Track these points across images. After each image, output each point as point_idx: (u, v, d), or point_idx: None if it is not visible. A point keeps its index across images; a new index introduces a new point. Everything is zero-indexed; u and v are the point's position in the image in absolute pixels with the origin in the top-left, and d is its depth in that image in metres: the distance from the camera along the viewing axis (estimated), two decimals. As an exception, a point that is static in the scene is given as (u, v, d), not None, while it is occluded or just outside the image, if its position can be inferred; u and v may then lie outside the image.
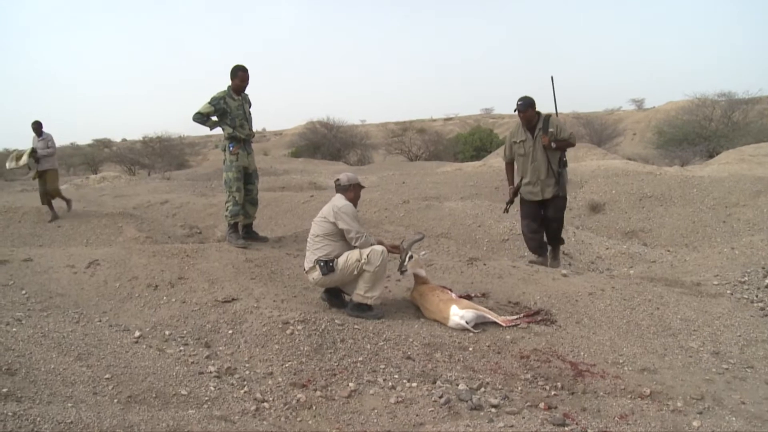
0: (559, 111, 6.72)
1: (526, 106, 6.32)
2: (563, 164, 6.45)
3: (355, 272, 4.80)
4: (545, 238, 6.81)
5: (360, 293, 4.81)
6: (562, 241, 6.96)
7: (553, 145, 6.25)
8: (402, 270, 5.07)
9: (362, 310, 4.82)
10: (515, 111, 6.39)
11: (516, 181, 6.78)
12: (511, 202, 6.93)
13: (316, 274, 4.85)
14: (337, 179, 5.10)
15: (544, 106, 6.48)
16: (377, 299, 4.87)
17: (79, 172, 34.68)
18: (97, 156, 38.31)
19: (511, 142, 6.68)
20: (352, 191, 5.06)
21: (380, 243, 5.03)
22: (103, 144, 44.13)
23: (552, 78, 6.50)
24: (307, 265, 4.94)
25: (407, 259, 5.08)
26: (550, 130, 6.26)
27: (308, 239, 5.01)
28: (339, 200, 4.95)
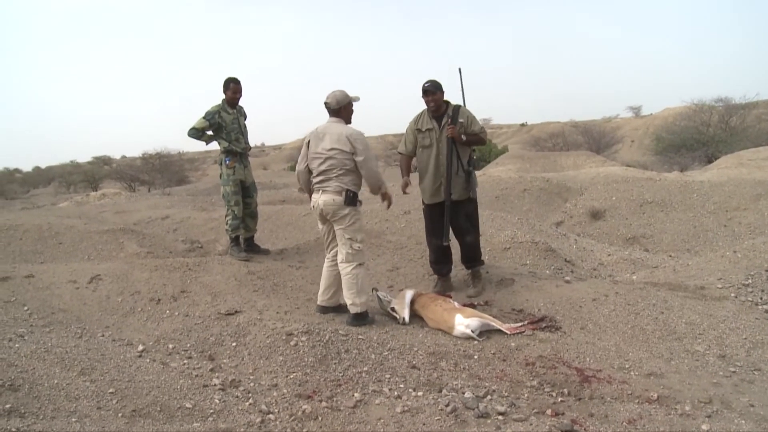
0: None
1: (436, 87, 5.40)
2: (473, 163, 5.60)
3: (346, 233, 4.81)
4: (461, 259, 5.92)
5: (348, 301, 4.85)
6: (481, 261, 5.91)
7: (463, 138, 5.41)
8: (402, 321, 4.95)
9: (360, 319, 4.82)
10: (422, 96, 5.45)
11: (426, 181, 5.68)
12: (405, 185, 5.77)
13: (339, 199, 4.76)
14: (326, 102, 4.89)
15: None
16: (364, 305, 4.86)
17: (79, 189, 34.75)
18: (97, 173, 38.43)
19: (413, 129, 5.64)
20: (344, 111, 4.90)
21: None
22: (103, 161, 44.38)
23: (460, 69, 5.64)
24: (329, 188, 4.81)
25: (387, 306, 5.10)
26: (460, 120, 5.40)
27: (320, 170, 4.84)
28: (341, 128, 4.83)
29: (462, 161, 5.47)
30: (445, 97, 5.52)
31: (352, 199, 4.79)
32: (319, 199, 4.85)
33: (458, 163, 5.46)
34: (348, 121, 4.95)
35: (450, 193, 5.46)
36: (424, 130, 5.57)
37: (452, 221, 5.56)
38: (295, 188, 18.82)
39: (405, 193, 5.82)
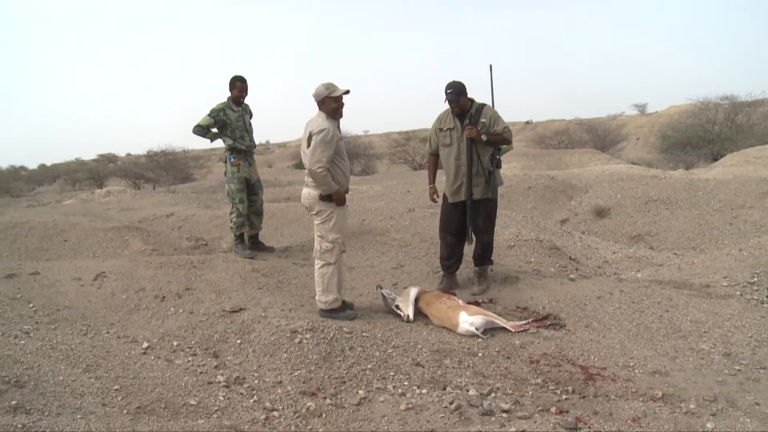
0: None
1: (457, 94, 5.33)
2: (496, 163, 5.47)
3: (317, 230, 4.89)
4: (473, 256, 5.82)
5: (316, 297, 4.96)
6: (491, 261, 5.87)
7: (484, 138, 5.30)
8: (406, 319, 4.95)
9: (327, 314, 4.89)
10: (445, 101, 5.42)
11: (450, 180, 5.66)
12: (432, 193, 5.83)
13: (314, 193, 4.80)
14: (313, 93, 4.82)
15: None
16: (331, 303, 4.90)
17: (84, 186, 34.78)
18: (102, 171, 38.46)
19: (436, 128, 5.65)
20: (324, 105, 4.76)
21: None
22: (108, 159, 44.47)
23: (491, 66, 5.59)
24: (310, 182, 4.86)
25: (392, 303, 5.11)
26: (482, 120, 5.34)
27: (304, 163, 4.84)
28: (315, 122, 4.75)
29: (482, 161, 5.42)
30: (472, 95, 5.49)
31: (327, 195, 4.76)
32: (302, 192, 4.94)
33: (479, 163, 5.42)
34: (331, 115, 4.78)
35: (471, 193, 5.46)
36: (445, 129, 5.57)
37: (470, 222, 5.57)
38: (299, 186, 18.84)
39: (434, 201, 5.84)
